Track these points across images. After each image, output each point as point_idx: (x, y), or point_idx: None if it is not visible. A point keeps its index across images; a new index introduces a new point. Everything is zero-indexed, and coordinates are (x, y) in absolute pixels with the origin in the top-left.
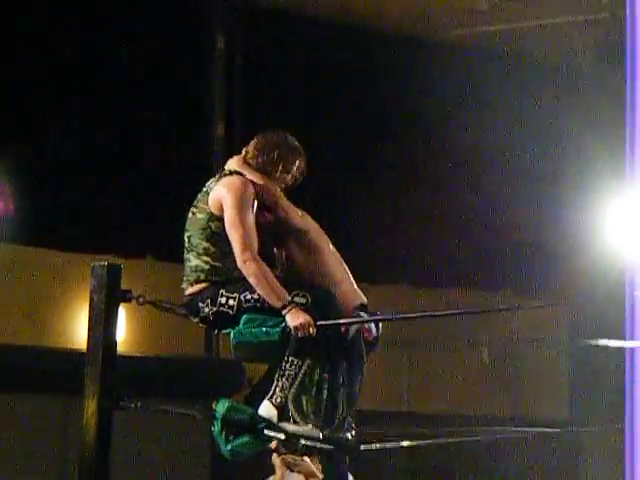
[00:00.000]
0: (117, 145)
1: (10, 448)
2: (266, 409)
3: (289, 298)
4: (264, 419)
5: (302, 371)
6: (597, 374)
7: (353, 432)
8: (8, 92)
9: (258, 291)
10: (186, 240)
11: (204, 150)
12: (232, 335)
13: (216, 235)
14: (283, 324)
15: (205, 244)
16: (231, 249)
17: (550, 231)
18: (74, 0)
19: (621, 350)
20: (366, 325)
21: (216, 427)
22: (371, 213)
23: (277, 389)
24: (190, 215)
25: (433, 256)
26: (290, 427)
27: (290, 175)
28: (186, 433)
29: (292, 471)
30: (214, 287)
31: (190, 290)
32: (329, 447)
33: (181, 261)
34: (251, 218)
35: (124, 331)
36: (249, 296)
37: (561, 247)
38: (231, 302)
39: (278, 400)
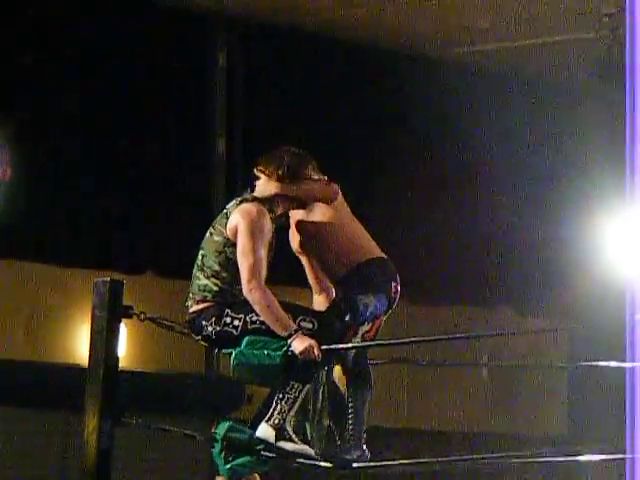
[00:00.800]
0: (118, 161)
1: (11, 464)
2: (263, 431)
3: (294, 327)
4: (262, 440)
5: (302, 395)
6: (596, 393)
7: (362, 452)
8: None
9: (263, 319)
10: (199, 258)
11: (205, 167)
12: (233, 356)
13: (230, 261)
14: (286, 348)
15: (217, 267)
16: (238, 274)
17: (551, 250)
18: (77, 18)
19: (621, 370)
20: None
21: (216, 447)
22: (371, 231)
23: (275, 412)
24: (207, 235)
25: (433, 274)
26: (288, 446)
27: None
28: (185, 448)
29: None
30: (220, 306)
31: (195, 308)
32: (327, 465)
33: (181, 277)
34: (262, 248)
35: (125, 347)
36: (255, 318)
37: (562, 266)
38: (236, 322)
39: (276, 422)
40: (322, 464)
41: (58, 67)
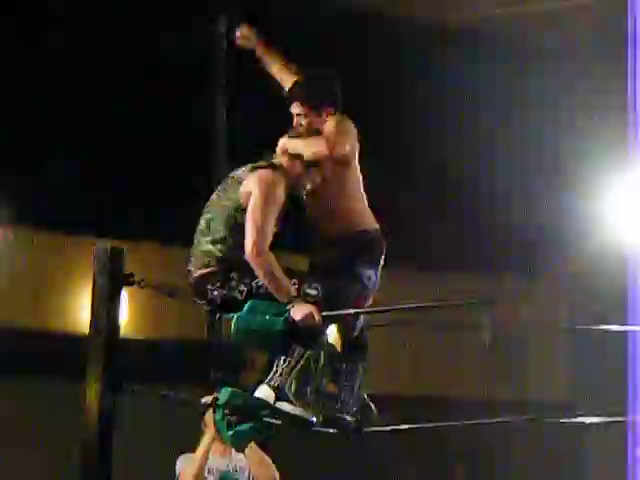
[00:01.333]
0: (120, 129)
1: (12, 430)
2: (262, 391)
3: (294, 294)
4: (260, 400)
5: (303, 360)
6: (599, 358)
7: (370, 411)
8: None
9: (265, 284)
10: (203, 222)
11: (206, 135)
12: (234, 320)
13: (238, 226)
14: (287, 313)
15: (224, 232)
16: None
17: (553, 215)
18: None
19: (623, 334)
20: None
21: (218, 414)
22: (375, 197)
23: (275, 374)
24: (214, 198)
25: (436, 240)
26: (286, 407)
27: None
28: (187, 415)
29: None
30: (225, 271)
31: (199, 272)
32: (327, 430)
33: (183, 245)
34: (272, 215)
35: (126, 314)
36: (260, 283)
37: (564, 231)
38: (242, 287)
39: (275, 384)
40: (322, 429)
41: (55, 34)
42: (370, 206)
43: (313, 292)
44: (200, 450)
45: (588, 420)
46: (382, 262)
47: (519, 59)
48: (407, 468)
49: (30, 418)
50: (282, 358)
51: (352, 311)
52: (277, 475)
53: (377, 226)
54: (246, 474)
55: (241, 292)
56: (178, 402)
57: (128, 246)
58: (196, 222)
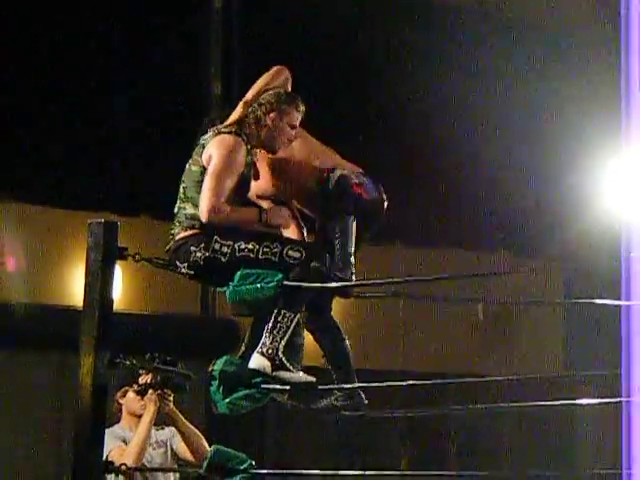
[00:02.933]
0: (113, 104)
1: (6, 405)
2: (258, 361)
3: (259, 213)
4: (258, 371)
5: (294, 325)
6: (593, 333)
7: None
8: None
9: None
10: (181, 190)
11: (201, 109)
12: (227, 294)
13: None
14: (278, 279)
15: (198, 197)
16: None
17: (546, 192)
18: None
19: (617, 309)
20: (364, 185)
21: (214, 384)
22: (368, 173)
23: (267, 341)
24: (187, 166)
25: (429, 216)
26: (286, 375)
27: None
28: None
29: (162, 409)
30: (208, 233)
31: (182, 234)
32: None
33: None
34: (230, 177)
35: (120, 289)
36: (243, 245)
37: (557, 208)
38: (225, 249)
39: (269, 352)
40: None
41: (47, 7)
42: None
43: (296, 254)
44: (143, 426)
45: (582, 401)
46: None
47: (513, 36)
48: (399, 446)
49: (25, 390)
50: (272, 324)
51: (350, 284)
52: (205, 442)
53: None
54: (168, 446)
55: (224, 254)
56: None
57: (122, 220)
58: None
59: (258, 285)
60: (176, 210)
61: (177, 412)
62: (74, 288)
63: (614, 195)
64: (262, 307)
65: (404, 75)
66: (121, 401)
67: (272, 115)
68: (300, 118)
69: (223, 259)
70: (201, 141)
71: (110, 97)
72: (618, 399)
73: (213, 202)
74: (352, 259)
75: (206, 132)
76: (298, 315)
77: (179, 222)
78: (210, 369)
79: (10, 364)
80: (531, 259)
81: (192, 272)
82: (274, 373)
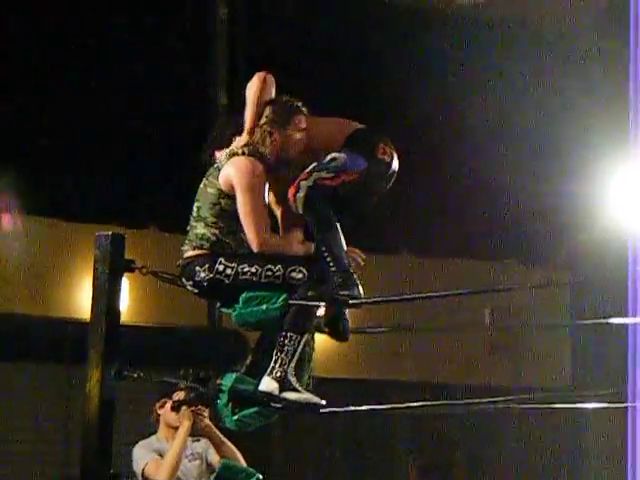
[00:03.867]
0: (120, 114)
1: (14, 416)
2: (266, 384)
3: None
4: (266, 394)
5: (301, 346)
6: (599, 345)
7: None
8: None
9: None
10: (195, 209)
11: (207, 119)
12: (233, 317)
13: (225, 212)
14: (282, 299)
15: (214, 219)
16: (238, 228)
17: (554, 203)
18: None
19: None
20: (341, 167)
21: (222, 399)
22: None
23: (277, 365)
24: (201, 186)
25: (436, 225)
26: (292, 396)
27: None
28: None
29: (197, 424)
30: (214, 255)
31: (190, 253)
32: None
33: (184, 232)
34: (261, 201)
35: (127, 301)
36: (247, 269)
37: (565, 219)
38: (228, 271)
39: (278, 375)
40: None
41: (55, 19)
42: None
43: (299, 275)
44: (178, 441)
45: (589, 406)
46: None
47: (520, 42)
48: (405, 452)
49: (32, 402)
50: (280, 347)
51: (358, 302)
52: (239, 455)
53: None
54: (204, 459)
55: (228, 276)
56: (178, 388)
57: (130, 233)
58: (192, 207)
59: (263, 307)
60: (188, 228)
61: (212, 426)
62: (82, 300)
63: (622, 205)
64: (270, 327)
65: (412, 85)
66: (160, 412)
67: (279, 131)
68: (304, 118)
69: (227, 281)
70: (216, 164)
71: (117, 109)
72: (624, 404)
73: (260, 239)
74: (349, 269)
75: (210, 161)
76: (305, 336)
77: (189, 240)
78: (218, 382)
79: (17, 376)
80: (539, 268)
81: (196, 291)
82: (282, 395)
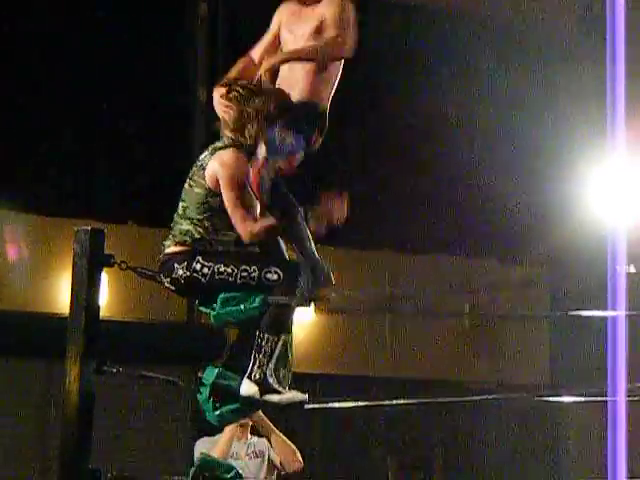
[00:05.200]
0: (100, 111)
1: None
2: (247, 388)
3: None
4: (247, 398)
5: (279, 347)
6: (578, 341)
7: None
8: None
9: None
10: (181, 209)
11: (186, 116)
12: (212, 318)
13: (213, 210)
14: (259, 299)
15: (200, 216)
16: (223, 225)
17: (533, 201)
18: None
19: (602, 320)
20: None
21: (203, 393)
22: (356, 180)
23: (255, 366)
24: (186, 187)
25: (418, 223)
26: (274, 398)
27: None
28: (167, 396)
29: (257, 432)
30: (193, 252)
31: (171, 249)
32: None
33: (162, 227)
34: (246, 194)
35: (106, 296)
36: (222, 269)
37: (544, 216)
38: (205, 270)
39: (257, 377)
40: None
41: (39, 26)
42: (354, 192)
43: (274, 277)
44: (225, 435)
45: (568, 399)
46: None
47: (500, 42)
48: (385, 450)
49: (11, 397)
50: (257, 349)
51: (336, 309)
52: (299, 456)
53: None
54: (266, 457)
55: (204, 275)
56: (158, 383)
57: (110, 228)
58: (175, 205)
59: (241, 307)
60: (172, 224)
61: (267, 421)
62: (61, 295)
63: (601, 203)
64: (248, 325)
65: (391, 85)
66: None
67: (257, 119)
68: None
69: (203, 280)
70: (199, 162)
71: (97, 105)
72: (602, 398)
73: (247, 232)
74: (318, 261)
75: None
76: (282, 337)
77: (173, 236)
78: (199, 375)
79: None
80: (518, 265)
81: (173, 288)
82: (263, 398)
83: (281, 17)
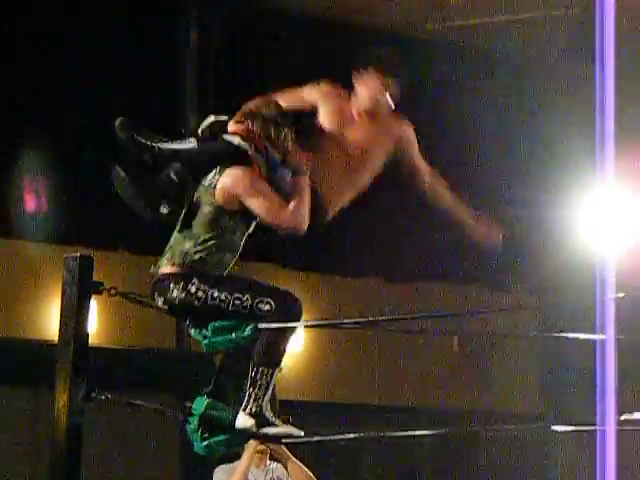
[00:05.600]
0: (88, 136)
1: None
2: (243, 422)
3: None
4: (244, 431)
5: (274, 379)
6: (567, 367)
7: None
8: None
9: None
10: (184, 229)
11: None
12: (204, 345)
13: (221, 229)
14: (250, 328)
15: (206, 236)
16: (228, 245)
17: (523, 227)
18: None
19: (591, 345)
20: None
21: (192, 424)
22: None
23: (250, 400)
24: (191, 208)
25: (405, 249)
26: (273, 430)
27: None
28: (156, 425)
29: (274, 457)
30: (189, 274)
31: (166, 269)
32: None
33: (153, 254)
34: (270, 192)
35: (95, 323)
36: (216, 294)
37: (533, 243)
38: (200, 294)
39: (253, 410)
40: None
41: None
42: (337, 221)
43: (266, 307)
44: (243, 463)
45: (558, 428)
46: None
47: (489, 69)
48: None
49: (3, 425)
50: (252, 382)
51: (327, 323)
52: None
53: None
54: None
55: (198, 299)
56: (147, 411)
57: (98, 255)
58: (166, 231)
59: (233, 335)
60: (171, 244)
61: (284, 448)
62: (49, 322)
63: (590, 231)
64: (239, 353)
65: None
66: None
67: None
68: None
69: (197, 303)
70: (206, 183)
71: (85, 131)
72: (591, 427)
73: (293, 225)
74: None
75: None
76: (277, 369)
77: (171, 256)
78: (188, 406)
79: None
80: (507, 294)
81: (167, 308)
82: (261, 431)
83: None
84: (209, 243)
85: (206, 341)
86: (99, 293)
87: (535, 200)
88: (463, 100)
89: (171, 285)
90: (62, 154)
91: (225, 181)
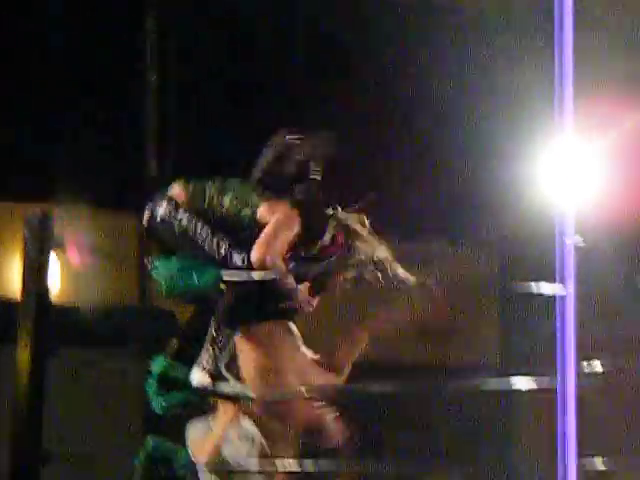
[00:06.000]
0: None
1: None
2: (198, 378)
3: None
4: (199, 389)
5: (233, 340)
6: (528, 320)
7: None
8: None
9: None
10: (221, 194)
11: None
12: (164, 290)
13: (239, 223)
14: (214, 274)
15: (231, 210)
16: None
17: (482, 179)
18: None
19: (552, 300)
20: None
21: (151, 383)
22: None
23: (207, 356)
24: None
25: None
26: (227, 388)
27: None
28: (118, 381)
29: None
30: (183, 204)
31: (176, 191)
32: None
33: (113, 209)
34: (284, 232)
35: (57, 280)
36: (198, 229)
37: (493, 195)
38: (184, 221)
39: (208, 367)
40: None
41: None
42: None
43: (239, 262)
44: (220, 423)
45: (518, 384)
46: None
47: (447, 21)
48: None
49: None
50: (212, 340)
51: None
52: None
53: None
54: (256, 441)
55: (180, 225)
56: (107, 368)
57: (59, 210)
58: (128, 184)
59: (195, 280)
60: (193, 183)
61: (235, 408)
62: (11, 279)
63: (549, 180)
64: (197, 298)
65: (353, 74)
66: None
67: None
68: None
69: (176, 228)
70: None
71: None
72: (553, 384)
73: (268, 254)
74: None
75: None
76: (237, 331)
77: (192, 187)
78: (147, 363)
79: None
80: (468, 247)
81: (147, 225)
82: (215, 388)
83: None
84: (222, 211)
85: (165, 286)
86: (60, 247)
87: (494, 151)
88: (420, 55)
89: (164, 202)
90: (26, 110)
91: (274, 208)
